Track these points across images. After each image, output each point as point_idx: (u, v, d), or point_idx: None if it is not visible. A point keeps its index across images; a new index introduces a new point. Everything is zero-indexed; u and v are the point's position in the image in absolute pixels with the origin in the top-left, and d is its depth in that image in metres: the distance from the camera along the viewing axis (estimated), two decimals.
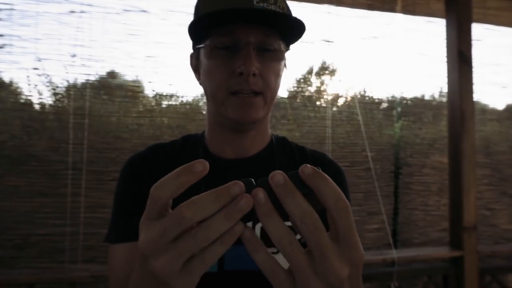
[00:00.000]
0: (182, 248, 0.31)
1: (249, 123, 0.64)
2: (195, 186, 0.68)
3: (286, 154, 0.74)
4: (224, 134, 0.69)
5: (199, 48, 0.66)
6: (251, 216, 0.32)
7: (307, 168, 0.32)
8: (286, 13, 0.62)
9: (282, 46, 0.65)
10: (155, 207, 0.32)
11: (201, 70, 0.67)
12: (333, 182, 0.32)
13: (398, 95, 2.40)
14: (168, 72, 2.01)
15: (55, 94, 1.93)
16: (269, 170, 0.70)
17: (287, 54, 0.70)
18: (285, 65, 0.70)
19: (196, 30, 0.64)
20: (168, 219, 0.31)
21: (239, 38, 0.60)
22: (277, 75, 0.65)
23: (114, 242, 0.64)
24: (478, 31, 2.48)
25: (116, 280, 0.61)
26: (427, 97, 2.47)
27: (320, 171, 0.32)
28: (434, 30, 2.41)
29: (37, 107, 1.92)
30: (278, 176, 0.32)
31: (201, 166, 0.32)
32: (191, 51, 0.73)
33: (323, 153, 0.78)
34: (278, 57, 0.64)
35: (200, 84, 0.70)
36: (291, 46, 0.70)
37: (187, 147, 0.72)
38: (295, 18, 0.61)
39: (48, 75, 1.90)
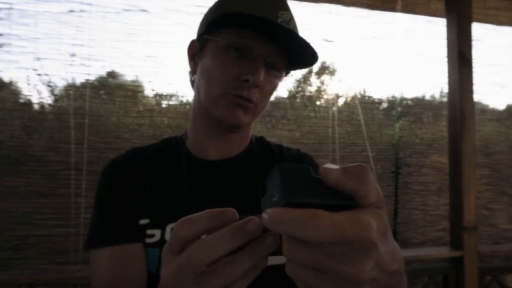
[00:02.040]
0: (206, 286, 0.30)
1: (235, 126, 0.64)
2: (177, 187, 0.67)
3: (266, 151, 0.75)
4: (208, 134, 0.69)
5: (208, 40, 0.64)
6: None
7: (331, 173, 0.26)
8: (306, 41, 0.61)
9: (285, 70, 0.67)
10: (176, 243, 0.31)
11: (203, 62, 0.65)
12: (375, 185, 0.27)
13: (398, 95, 2.40)
14: (168, 72, 2.01)
15: (54, 94, 1.92)
16: (250, 169, 0.69)
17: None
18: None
19: (215, 22, 0.63)
20: (182, 259, 0.30)
21: (254, 47, 0.61)
22: (271, 93, 0.67)
23: (98, 247, 0.62)
24: (478, 31, 2.48)
25: (102, 284, 0.60)
26: (427, 97, 2.47)
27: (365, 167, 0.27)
28: (434, 30, 2.41)
29: (36, 107, 1.92)
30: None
31: (232, 216, 0.30)
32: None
33: (297, 148, 0.80)
34: (279, 78, 0.66)
35: (193, 73, 0.69)
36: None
37: (168, 149, 0.72)
38: (313, 49, 0.61)
39: (47, 75, 1.89)
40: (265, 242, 0.29)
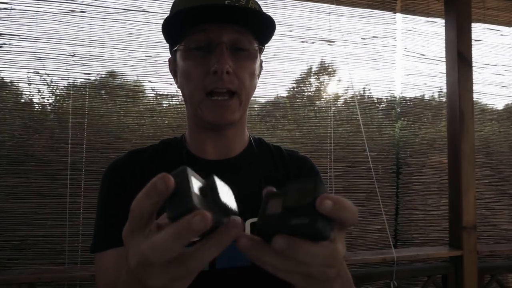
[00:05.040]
0: (174, 274, 0.31)
1: (225, 125, 0.65)
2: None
3: (266, 154, 0.75)
4: (203, 135, 0.69)
5: (175, 51, 0.66)
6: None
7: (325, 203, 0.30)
8: (256, 10, 0.60)
9: (256, 45, 0.65)
10: (133, 221, 0.32)
11: (178, 73, 0.67)
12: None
13: (398, 95, 2.41)
14: (168, 72, 2.01)
15: (55, 94, 1.92)
16: (252, 169, 0.70)
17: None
18: (261, 65, 0.71)
19: (170, 33, 0.64)
20: (140, 258, 0.31)
21: (212, 38, 0.60)
22: (252, 75, 0.65)
23: (102, 250, 0.61)
24: (478, 31, 2.49)
25: (105, 285, 0.59)
26: (426, 97, 2.47)
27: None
28: (434, 30, 2.42)
29: (37, 107, 1.92)
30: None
31: (163, 185, 0.31)
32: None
33: (296, 150, 0.80)
34: (252, 57, 0.64)
35: (178, 87, 0.70)
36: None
37: (169, 150, 0.72)
38: (266, 15, 0.61)
39: (48, 75, 1.89)
40: (225, 234, 0.30)
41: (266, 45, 0.70)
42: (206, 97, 0.62)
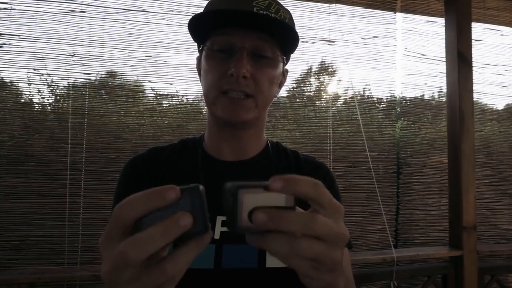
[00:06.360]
0: (149, 281, 0.30)
1: (239, 123, 0.65)
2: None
3: (282, 157, 0.76)
4: (220, 135, 0.71)
5: (201, 50, 0.68)
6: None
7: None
8: (280, 20, 0.61)
9: (279, 54, 0.66)
10: (116, 227, 0.31)
11: (201, 72, 0.69)
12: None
13: (398, 95, 2.40)
14: (168, 72, 2.01)
15: (55, 93, 1.92)
16: (267, 173, 0.71)
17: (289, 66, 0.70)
18: (284, 74, 0.72)
19: (197, 32, 0.67)
20: (116, 257, 0.30)
21: (234, 42, 0.62)
22: (271, 82, 0.66)
23: None
24: (478, 31, 2.49)
25: None
26: (426, 97, 2.47)
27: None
28: (434, 30, 2.42)
29: (37, 106, 1.92)
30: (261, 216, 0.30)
31: (174, 194, 0.30)
32: (196, 53, 0.75)
33: (313, 156, 0.81)
34: (273, 64, 0.66)
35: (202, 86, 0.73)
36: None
37: (186, 149, 0.74)
38: (289, 27, 0.62)
39: (48, 75, 1.89)
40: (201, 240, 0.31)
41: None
42: (221, 94, 0.63)
